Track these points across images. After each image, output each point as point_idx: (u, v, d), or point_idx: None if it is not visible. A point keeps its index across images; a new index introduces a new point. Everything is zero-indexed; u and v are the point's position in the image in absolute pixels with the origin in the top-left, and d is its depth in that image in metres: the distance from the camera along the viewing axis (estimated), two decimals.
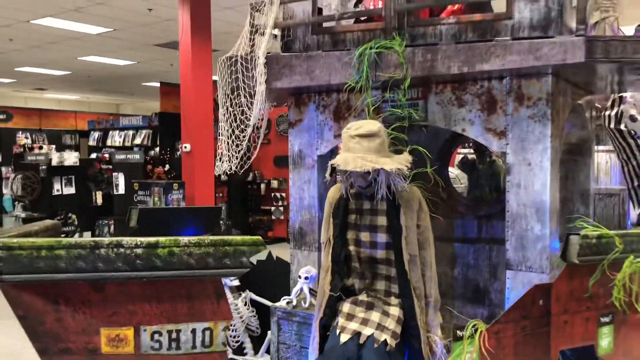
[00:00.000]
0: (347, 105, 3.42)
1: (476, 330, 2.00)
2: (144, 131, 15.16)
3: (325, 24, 3.51)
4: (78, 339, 1.61)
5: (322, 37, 3.49)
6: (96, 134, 16.63)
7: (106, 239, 1.52)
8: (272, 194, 11.46)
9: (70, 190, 9.65)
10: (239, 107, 3.56)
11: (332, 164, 2.50)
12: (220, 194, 11.14)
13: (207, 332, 1.67)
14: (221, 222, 4.29)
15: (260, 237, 1.70)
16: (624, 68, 2.77)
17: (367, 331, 2.46)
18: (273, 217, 11.50)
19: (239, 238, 1.62)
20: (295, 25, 3.55)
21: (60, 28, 10.74)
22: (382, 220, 2.58)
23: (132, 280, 1.60)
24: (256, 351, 3.80)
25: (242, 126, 3.57)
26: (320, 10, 3.60)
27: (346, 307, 2.58)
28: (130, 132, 15.63)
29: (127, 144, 15.32)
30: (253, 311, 3.83)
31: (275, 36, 3.65)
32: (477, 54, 2.81)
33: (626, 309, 2.25)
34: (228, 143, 3.66)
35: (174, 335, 1.66)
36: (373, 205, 2.60)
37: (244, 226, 11.37)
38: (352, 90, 3.19)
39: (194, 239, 1.56)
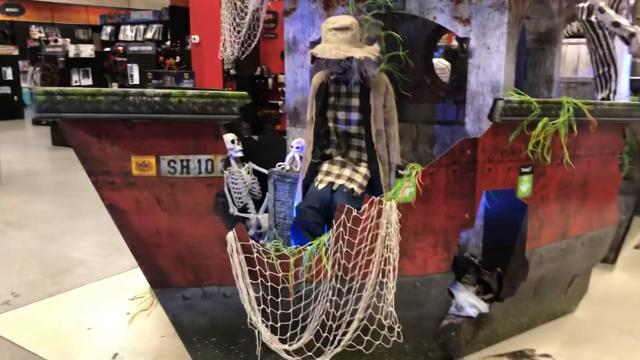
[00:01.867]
0: None
1: (414, 171, 2.59)
2: (154, 26, 15.39)
3: None
4: (115, 164, 2.21)
5: None
6: (108, 29, 16.87)
7: (133, 90, 2.07)
8: (280, 89, 11.87)
9: (88, 81, 10.17)
10: None
11: (311, 53, 2.99)
12: (230, 88, 11.60)
13: (209, 162, 2.26)
14: None
15: (246, 93, 2.24)
16: None
17: (339, 181, 3.07)
18: (280, 111, 11.99)
19: (230, 93, 2.16)
20: None
21: None
22: (355, 102, 3.10)
23: (153, 122, 2.18)
24: (257, 210, 4.48)
25: (242, 14, 4.02)
26: None
27: (325, 166, 3.18)
28: (142, 27, 15.87)
29: (139, 38, 15.60)
30: (255, 178, 4.46)
31: None
32: None
33: (540, 161, 2.80)
34: (229, 30, 4.13)
35: (185, 163, 2.26)
36: (348, 89, 3.11)
37: (253, 119, 11.91)
38: None
39: (197, 91, 2.09)
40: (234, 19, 4.11)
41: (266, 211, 4.34)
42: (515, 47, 3.52)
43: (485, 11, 3.36)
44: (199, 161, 2.24)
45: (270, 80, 11.95)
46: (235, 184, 4.37)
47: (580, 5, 4.76)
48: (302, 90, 4.12)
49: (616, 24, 4.60)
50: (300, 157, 3.88)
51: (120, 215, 2.34)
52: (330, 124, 3.16)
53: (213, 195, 2.35)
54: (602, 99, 4.86)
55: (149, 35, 15.36)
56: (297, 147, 3.90)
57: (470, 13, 3.41)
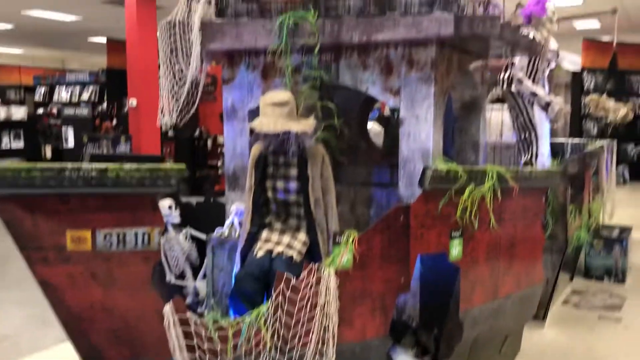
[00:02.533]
0: (273, 66, 3.97)
1: (350, 237, 2.67)
2: (91, 87, 15.24)
3: None
4: (49, 239, 2.17)
5: (250, 5, 4.01)
6: (42, 89, 16.55)
7: (69, 164, 2.08)
8: (219, 149, 11.89)
9: (19, 144, 9.90)
10: (177, 65, 4.07)
11: (251, 127, 3.11)
12: (168, 150, 11.54)
13: (146, 235, 2.26)
14: None
15: (184, 165, 2.28)
16: (489, 40, 3.44)
17: (278, 248, 3.11)
18: (219, 172, 11.98)
19: (167, 166, 2.20)
20: None
21: None
22: (293, 172, 3.21)
23: (89, 196, 2.18)
24: (195, 277, 4.43)
25: (180, 83, 4.09)
26: None
27: (264, 234, 3.23)
28: (77, 88, 15.66)
29: (74, 99, 15.36)
30: (192, 244, 4.43)
31: (210, 2, 4.15)
32: (374, 26, 3.41)
33: (469, 226, 2.96)
34: (168, 98, 4.19)
35: (121, 237, 2.24)
36: (286, 159, 3.23)
37: (191, 180, 11.84)
38: (275, 53, 3.75)
39: (134, 165, 2.12)
40: (173, 87, 4.18)
41: (204, 277, 4.29)
42: (442, 116, 3.74)
43: (414, 84, 3.57)
44: (136, 234, 2.24)
45: (209, 141, 11.98)
46: (173, 250, 4.33)
47: (501, 76, 5.14)
48: (241, 155, 4.19)
49: (534, 94, 4.99)
50: (240, 223, 3.91)
51: (53, 291, 2.29)
52: (269, 193, 3.24)
53: (150, 268, 2.33)
54: (525, 162, 5.19)
55: (85, 96, 15.17)
56: (237, 213, 3.93)
57: (399, 85, 3.62)
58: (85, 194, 2.14)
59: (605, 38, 14.12)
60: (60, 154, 9.41)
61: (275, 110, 3.05)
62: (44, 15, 14.07)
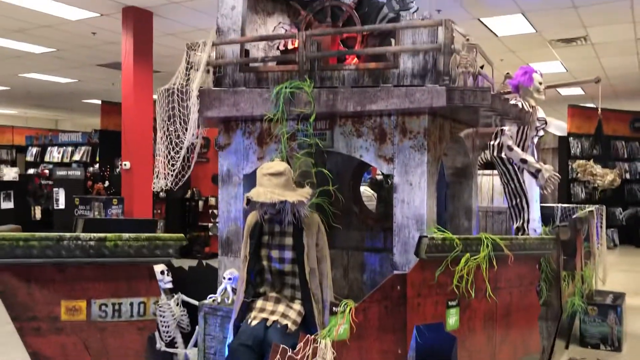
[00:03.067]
0: (269, 132, 4.05)
1: (347, 307, 2.65)
2: (83, 148, 15.30)
3: (251, 64, 4.16)
4: (43, 309, 2.15)
5: (248, 74, 4.13)
6: (34, 150, 16.60)
7: (68, 234, 2.08)
8: (210, 211, 11.85)
9: (9, 204, 9.83)
10: (174, 131, 4.14)
11: (247, 196, 3.15)
12: (159, 210, 11.49)
13: (142, 305, 2.24)
14: (158, 231, 4.80)
15: (182, 235, 2.29)
16: (479, 110, 3.54)
17: (273, 317, 3.08)
18: (210, 234, 11.89)
19: (166, 235, 2.21)
20: (226, 64, 4.18)
21: (1, 46, 10.93)
22: (289, 241, 3.23)
23: (86, 265, 2.16)
24: (186, 345, 4.33)
25: (176, 148, 4.14)
26: (247, 52, 4.25)
27: (258, 303, 3.22)
28: (70, 149, 15.71)
29: (66, 160, 15.38)
30: (184, 310, 4.36)
31: (208, 71, 4.26)
32: (368, 97, 3.51)
33: (465, 295, 2.96)
34: (164, 163, 4.23)
35: (116, 307, 2.23)
36: (282, 228, 3.25)
37: None
38: (271, 120, 3.83)
39: (133, 235, 2.13)
40: (169, 152, 4.23)
41: (195, 345, 4.20)
42: (435, 183, 3.79)
43: (407, 151, 3.64)
44: (131, 304, 2.22)
45: (200, 203, 11.95)
46: (163, 317, 4.25)
47: (491, 142, 5.24)
48: (235, 220, 4.20)
49: (523, 161, 5.07)
50: (233, 289, 3.87)
51: None
52: (264, 262, 3.24)
53: (144, 338, 2.30)
54: (517, 228, 5.23)
55: (77, 157, 15.20)
56: (229, 279, 3.89)
57: (393, 153, 3.68)
58: (82, 264, 2.13)
59: (589, 104, 14.55)
60: (50, 215, 9.33)
61: (272, 181, 3.11)
62: (40, 77, 14.30)
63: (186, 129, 4.11)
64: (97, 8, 8.48)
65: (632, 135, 14.13)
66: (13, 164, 17.82)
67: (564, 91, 14.61)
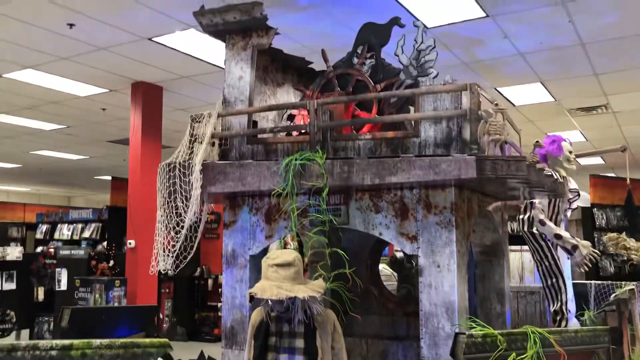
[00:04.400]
0: (278, 208, 3.68)
1: None
2: (93, 224, 15.01)
3: (260, 135, 3.86)
4: None
5: (255, 147, 3.82)
6: (44, 227, 16.34)
7: (23, 342, 1.67)
8: (220, 290, 11.39)
9: (11, 285, 9.40)
10: (175, 209, 3.78)
11: (250, 292, 2.76)
12: (167, 290, 11.03)
13: None
14: (156, 319, 4.36)
15: (167, 340, 1.87)
16: (509, 182, 3.15)
17: None
18: (219, 314, 11.37)
19: (147, 340, 1.79)
20: (232, 136, 3.87)
21: (12, 124, 10.90)
22: (299, 343, 2.81)
23: None
24: None
25: (177, 228, 3.77)
26: (255, 123, 3.96)
27: None
28: (80, 226, 15.42)
29: (76, 237, 15.06)
30: None
31: (214, 144, 3.96)
32: (387, 168, 3.15)
33: None
34: (164, 243, 3.85)
35: None
36: (291, 328, 2.84)
37: (190, 322, 11.19)
38: (280, 195, 3.47)
39: (105, 341, 1.72)
40: (169, 231, 3.85)
41: None
42: (466, 264, 3.36)
43: (432, 228, 3.25)
44: None
45: (210, 281, 11.49)
46: None
47: (521, 217, 4.82)
48: (241, 307, 3.76)
49: (558, 237, 4.62)
50: None
51: None
52: None
53: None
54: (555, 311, 4.70)
55: (87, 234, 14.89)
56: None
57: (417, 230, 3.29)
58: None
59: (610, 173, 14.11)
60: (53, 296, 8.88)
61: (279, 272, 2.73)
62: (52, 154, 14.27)
63: (187, 207, 3.76)
64: (106, 84, 8.40)
65: None
66: (23, 241, 17.55)
67: (583, 161, 14.24)
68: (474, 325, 2.71)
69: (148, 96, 8.60)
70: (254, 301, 2.82)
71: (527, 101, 8.99)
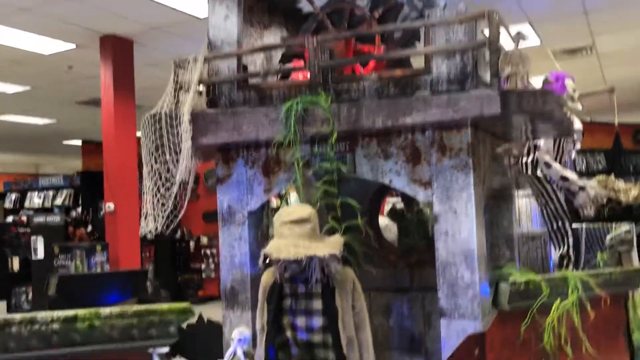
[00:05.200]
0: (276, 159, 3.41)
1: None
2: (65, 191, 14.59)
3: (250, 81, 3.54)
4: None
5: (248, 93, 3.50)
6: (13, 196, 15.82)
7: (18, 316, 1.40)
8: (202, 251, 11.20)
9: None
10: (164, 164, 3.47)
11: (265, 253, 2.51)
12: (147, 254, 10.77)
13: None
14: (148, 284, 4.11)
15: (188, 303, 1.62)
16: (535, 118, 2.93)
17: None
18: (203, 275, 11.19)
19: (165, 306, 1.54)
20: (221, 82, 3.55)
21: None
22: (317, 304, 2.59)
23: (49, 359, 1.47)
24: None
25: (167, 184, 3.47)
26: (245, 68, 3.63)
27: None
28: (51, 193, 15.01)
29: (47, 204, 14.66)
30: None
31: (200, 93, 3.63)
32: (400, 108, 2.89)
33: (557, 353, 2.29)
34: (153, 202, 3.55)
35: None
36: (308, 288, 2.61)
37: (173, 286, 11.01)
38: (280, 146, 3.19)
39: (116, 309, 1.46)
40: (159, 189, 3.55)
41: None
42: (483, 209, 3.16)
43: (448, 173, 3.02)
44: None
45: (191, 243, 11.27)
46: None
47: (524, 160, 4.63)
48: (241, 266, 3.52)
49: (564, 179, 4.47)
50: (244, 353, 3.16)
51: None
52: (288, 333, 2.59)
53: None
54: (561, 255, 4.59)
55: (59, 201, 14.48)
56: (240, 339, 3.18)
57: (430, 175, 3.05)
58: (44, 357, 1.44)
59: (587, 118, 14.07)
60: (28, 266, 8.54)
61: (294, 230, 2.49)
62: (16, 119, 13.62)
63: (177, 161, 3.45)
64: (72, 38, 7.87)
65: (635, 148, 13.69)
66: None
67: None
68: (514, 272, 2.52)
69: (118, 51, 8.13)
70: (264, 263, 2.58)
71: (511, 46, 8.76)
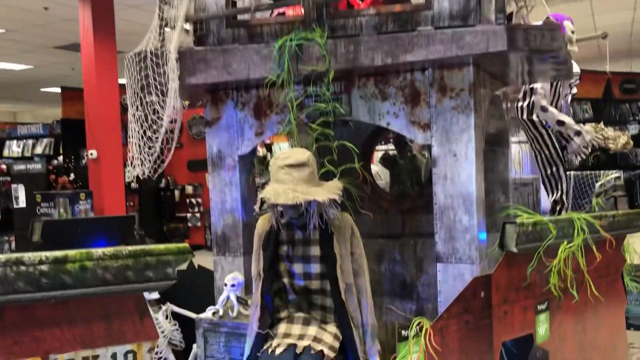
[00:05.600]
0: (268, 101, 3.27)
1: (421, 328, 1.91)
2: (45, 140, 14.23)
3: (239, 17, 3.35)
4: None
5: (237, 30, 3.32)
6: None
7: (3, 256, 1.29)
8: (187, 200, 11.08)
9: None
10: (150, 106, 3.31)
11: (262, 198, 2.40)
12: (132, 203, 10.62)
13: (130, 356, 1.46)
14: (135, 231, 4.01)
15: (186, 245, 1.52)
16: (535, 57, 2.81)
17: (303, 342, 2.35)
18: (189, 224, 11.12)
19: (162, 247, 1.43)
20: (209, 19, 3.35)
21: None
22: (315, 250, 2.50)
23: (37, 303, 1.37)
24: None
25: (154, 126, 3.32)
26: (234, 3, 3.43)
27: (282, 327, 2.48)
28: (30, 142, 14.63)
29: (27, 154, 14.31)
30: (175, 324, 3.59)
31: (187, 30, 3.44)
32: (401, 45, 2.75)
33: (561, 295, 2.26)
34: (140, 145, 3.40)
35: None
36: (305, 235, 2.52)
37: (159, 235, 10.94)
38: (273, 85, 3.05)
39: (109, 250, 1.35)
40: (145, 132, 3.40)
41: None
42: (482, 152, 3.07)
43: (448, 114, 2.91)
44: (114, 357, 1.44)
45: (176, 192, 11.13)
46: None
47: (519, 104, 4.53)
48: (232, 211, 3.43)
49: (560, 123, 4.38)
50: (238, 298, 3.10)
51: None
52: (285, 280, 2.50)
53: None
54: (555, 201, 4.55)
55: (39, 150, 14.14)
56: (233, 285, 3.12)
57: (430, 117, 2.94)
58: (32, 301, 1.34)
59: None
60: (10, 215, 8.36)
61: (292, 174, 2.37)
62: None
63: (164, 101, 3.29)
64: None
65: (622, 97, 13.65)
66: None
67: None
68: (519, 213, 2.45)
69: None
70: (260, 208, 2.48)
71: None
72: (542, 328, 2.25)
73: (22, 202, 7.63)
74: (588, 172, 7.43)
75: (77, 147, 10.72)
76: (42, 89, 17.14)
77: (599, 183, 5.78)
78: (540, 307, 2.24)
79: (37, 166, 7.97)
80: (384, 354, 2.52)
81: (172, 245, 1.47)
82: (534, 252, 2.16)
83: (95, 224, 3.65)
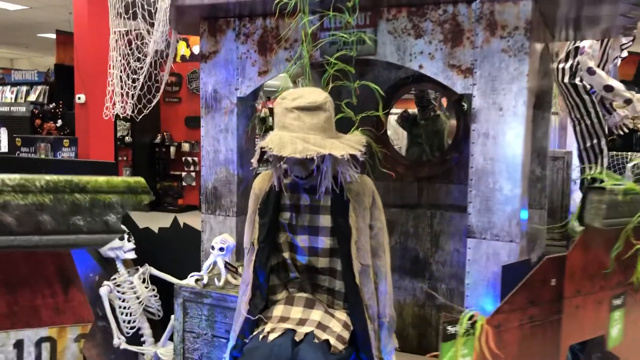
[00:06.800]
0: (276, 33, 2.73)
1: (473, 324, 1.40)
2: (39, 87, 13.66)
3: None
4: None
5: None
6: None
7: None
8: (183, 158, 10.55)
9: None
10: (134, 30, 2.76)
11: (263, 148, 1.84)
12: (124, 157, 10.10)
13: (47, 346, 0.94)
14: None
15: (142, 178, 1.01)
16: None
17: (305, 329, 1.83)
18: (184, 183, 10.61)
19: (102, 179, 0.91)
20: None
21: None
22: (325, 220, 1.97)
23: None
24: (157, 339, 3.08)
25: (139, 55, 2.78)
26: None
27: (278, 309, 1.97)
28: (24, 88, 14.05)
29: (20, 100, 13.77)
30: (154, 290, 3.11)
31: None
32: None
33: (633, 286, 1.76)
34: (121, 77, 2.87)
35: None
36: (314, 200, 1.98)
37: (152, 192, 10.45)
38: (282, 13, 2.50)
39: (13, 177, 0.82)
40: (127, 63, 2.86)
41: (171, 339, 2.97)
42: (532, 109, 2.54)
43: (496, 57, 2.36)
44: (19, 345, 0.92)
45: (172, 149, 10.58)
46: (124, 300, 2.98)
47: (561, 65, 3.97)
48: (226, 163, 2.92)
49: (609, 88, 3.83)
50: (226, 264, 2.60)
51: None
52: (285, 254, 1.98)
53: None
54: (594, 178, 4.04)
55: (32, 97, 13.59)
56: (221, 249, 2.62)
57: (473, 60, 2.40)
58: None
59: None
60: None
61: (304, 121, 1.81)
62: None
63: (152, 25, 2.74)
64: None
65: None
66: None
67: None
68: (604, 179, 1.92)
69: None
70: (261, 160, 1.91)
71: None
72: (615, 328, 1.76)
73: (3, 147, 7.11)
74: (618, 152, 6.91)
75: (70, 94, 10.16)
76: (39, 35, 16.46)
77: (632, 164, 5.24)
78: (615, 302, 1.74)
79: (21, 109, 7.43)
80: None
81: (117, 179, 0.94)
82: (617, 230, 1.65)
83: (70, 167, 3.09)
